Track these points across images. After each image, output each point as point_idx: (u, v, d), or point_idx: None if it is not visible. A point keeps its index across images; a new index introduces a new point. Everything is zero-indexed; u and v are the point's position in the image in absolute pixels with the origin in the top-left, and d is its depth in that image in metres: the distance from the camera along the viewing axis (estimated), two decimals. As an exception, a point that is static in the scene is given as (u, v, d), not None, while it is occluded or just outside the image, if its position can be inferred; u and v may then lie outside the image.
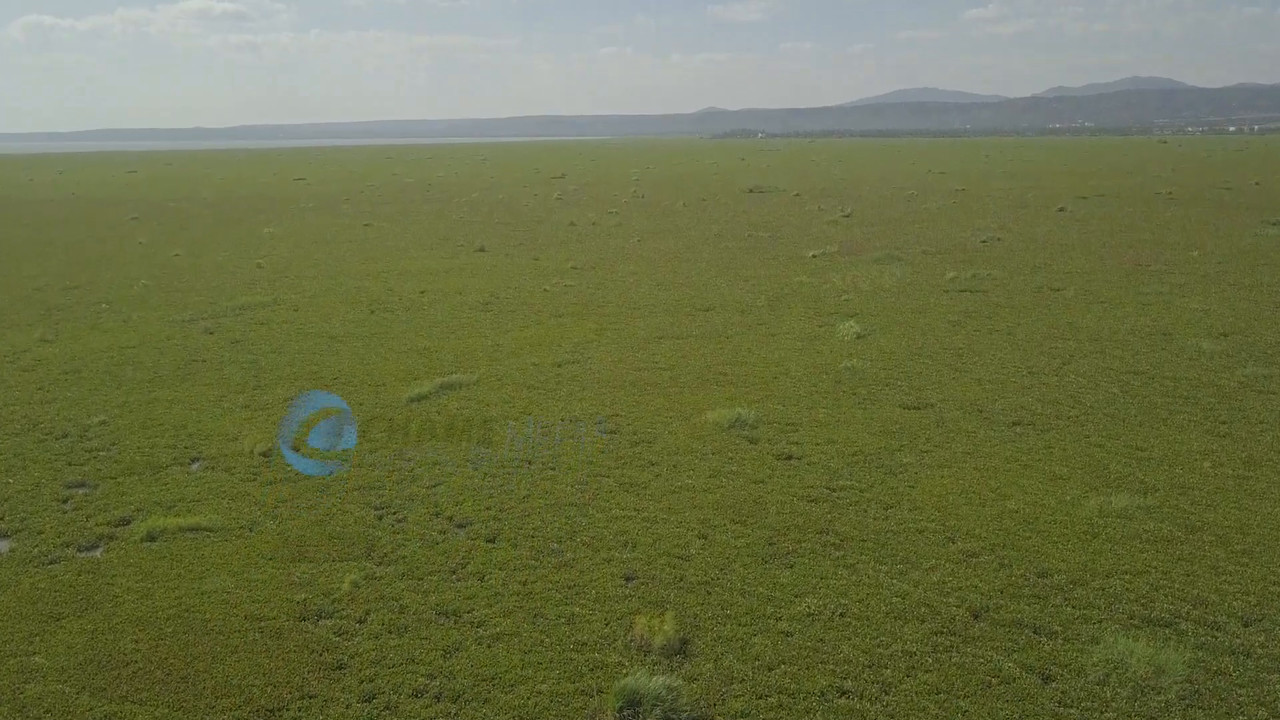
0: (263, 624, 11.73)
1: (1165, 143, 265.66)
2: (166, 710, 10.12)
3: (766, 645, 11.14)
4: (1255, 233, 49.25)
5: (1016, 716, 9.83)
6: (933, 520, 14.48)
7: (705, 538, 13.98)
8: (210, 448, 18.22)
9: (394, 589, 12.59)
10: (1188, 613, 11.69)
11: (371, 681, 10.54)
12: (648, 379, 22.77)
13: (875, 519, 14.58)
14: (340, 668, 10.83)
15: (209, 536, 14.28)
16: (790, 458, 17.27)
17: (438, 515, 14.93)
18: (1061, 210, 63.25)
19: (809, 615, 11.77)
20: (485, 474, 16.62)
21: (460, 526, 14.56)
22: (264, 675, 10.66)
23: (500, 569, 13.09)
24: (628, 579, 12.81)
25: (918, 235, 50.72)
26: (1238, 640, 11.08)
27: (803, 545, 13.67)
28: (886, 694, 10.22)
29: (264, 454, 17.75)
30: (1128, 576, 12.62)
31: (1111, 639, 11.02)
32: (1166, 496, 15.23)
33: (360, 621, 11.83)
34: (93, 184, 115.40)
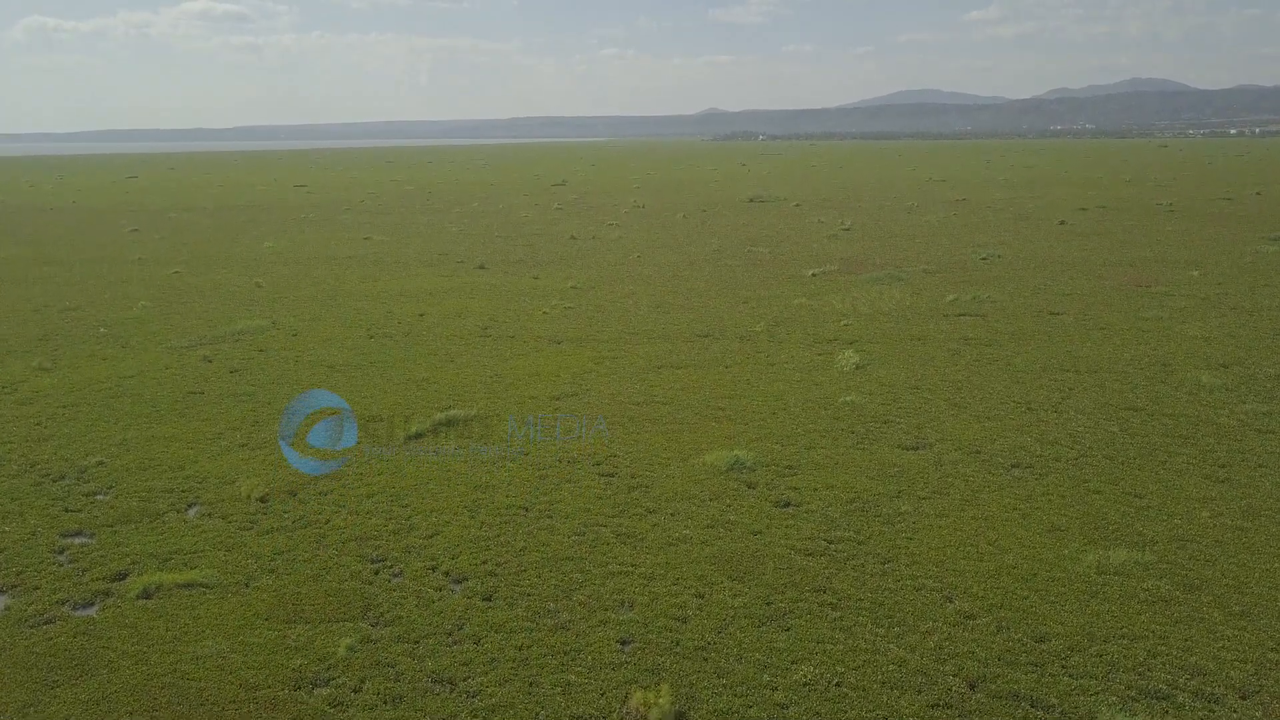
0: (258, 694, 11.70)
1: (1166, 146, 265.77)
2: (160, 790, 10.08)
3: (763, 718, 11.10)
4: (1255, 249, 49.24)
5: (1012, 800, 9.79)
6: (931, 577, 14.44)
7: (702, 596, 13.94)
8: (207, 492, 18.19)
9: (390, 654, 12.55)
10: (1185, 683, 11.65)
11: (366, 758, 10.51)
12: (646, 414, 22.74)
13: (873, 575, 14.55)
14: (335, 743, 10.79)
15: (205, 593, 14.25)
16: (788, 504, 17.24)
17: (434, 569, 14.89)
18: (1062, 223, 63.25)
19: (805, 684, 11.73)
20: (482, 523, 16.59)
21: (457, 582, 14.53)
22: (258, 751, 10.62)
23: (496, 631, 13.05)
24: (624, 643, 12.78)
25: (918, 252, 50.68)
26: (1235, 715, 11.05)
27: (800, 605, 13.63)
28: (882, 774, 10.19)
29: (261, 499, 17.71)
30: (1125, 642, 12.58)
31: (1109, 714, 10.98)
32: (1165, 551, 15.19)
33: (356, 690, 11.79)
34: (93, 191, 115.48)
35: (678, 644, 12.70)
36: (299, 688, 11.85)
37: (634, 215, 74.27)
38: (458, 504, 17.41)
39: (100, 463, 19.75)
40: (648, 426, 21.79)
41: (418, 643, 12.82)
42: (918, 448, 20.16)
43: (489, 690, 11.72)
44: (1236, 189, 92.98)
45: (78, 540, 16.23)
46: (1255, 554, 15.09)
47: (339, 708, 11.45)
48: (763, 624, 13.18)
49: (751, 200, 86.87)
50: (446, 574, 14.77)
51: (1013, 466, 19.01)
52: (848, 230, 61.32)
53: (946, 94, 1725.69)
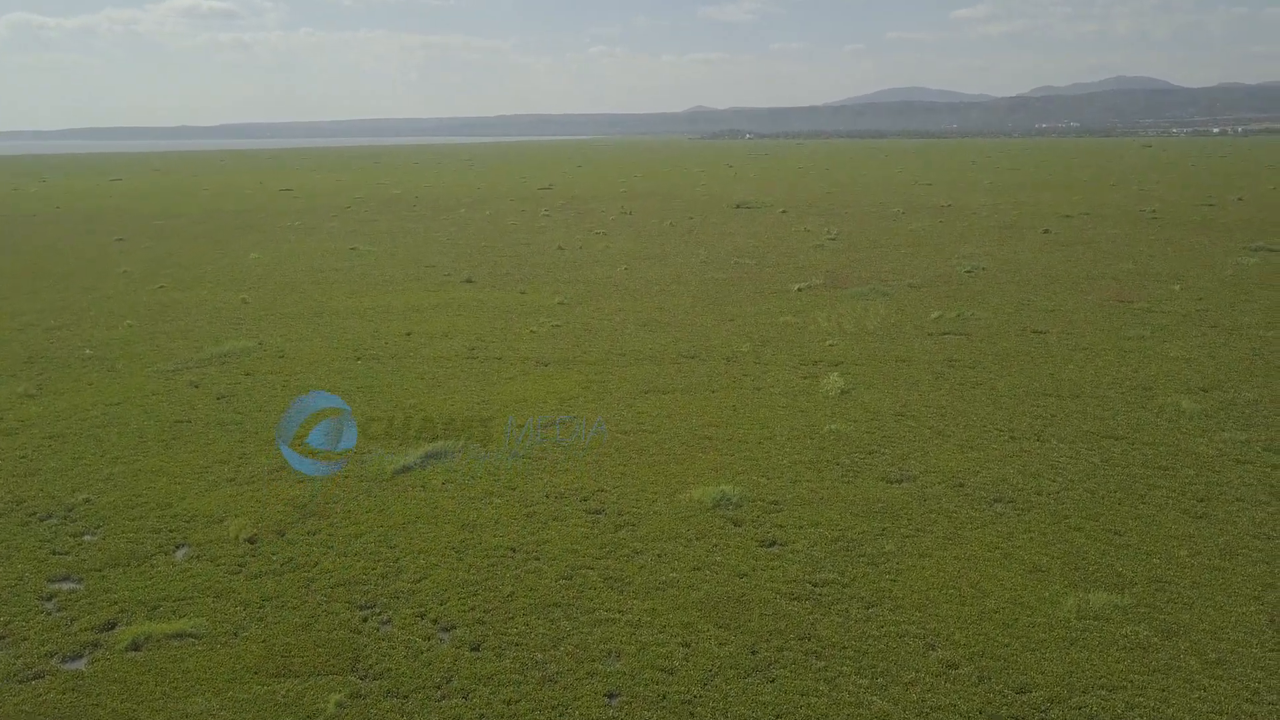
0: (247, 754, 11.80)
1: (1150, 146, 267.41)
2: None
3: (747, 778, 11.28)
4: (1236, 261, 49.74)
5: None
6: (913, 623, 14.64)
7: (688, 645, 14.10)
8: (195, 532, 18.24)
9: (379, 710, 12.66)
10: (1161, 738, 11.88)
11: (355, 824, 10.63)
12: (633, 443, 22.88)
13: (857, 620, 14.74)
14: (324, 807, 10.90)
15: (194, 644, 14.32)
16: (774, 544, 17.41)
17: (422, 616, 15.00)
18: (1046, 232, 63.68)
19: (789, 741, 11.90)
20: (470, 565, 16.70)
21: (445, 630, 14.64)
22: (248, 817, 10.72)
23: (484, 684, 13.18)
24: (611, 696, 12.93)
25: (903, 264, 50.97)
26: (1210, 772, 11.28)
27: (784, 654, 13.81)
28: (865, 837, 10.37)
29: (249, 540, 17.78)
30: (1104, 693, 12.81)
31: (1086, 772, 11.20)
32: (1143, 593, 15.44)
33: (345, 750, 11.91)
34: (78, 195, 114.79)
35: (664, 697, 12.86)
36: (288, 747, 11.95)
37: (621, 223, 74.36)
38: (445, 545, 17.52)
39: (87, 500, 19.76)
40: (635, 457, 21.93)
41: (406, 697, 12.93)
42: (902, 480, 20.37)
43: (477, 749, 11.84)
44: (1219, 193, 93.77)
45: (65, 586, 16.27)
46: (1232, 596, 15.34)
47: (328, 769, 11.56)
48: (748, 675, 13.35)
49: (738, 206, 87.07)
50: (435, 621, 14.89)
51: (995, 501, 19.24)
52: (834, 240, 61.59)
53: (934, 91, 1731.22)
